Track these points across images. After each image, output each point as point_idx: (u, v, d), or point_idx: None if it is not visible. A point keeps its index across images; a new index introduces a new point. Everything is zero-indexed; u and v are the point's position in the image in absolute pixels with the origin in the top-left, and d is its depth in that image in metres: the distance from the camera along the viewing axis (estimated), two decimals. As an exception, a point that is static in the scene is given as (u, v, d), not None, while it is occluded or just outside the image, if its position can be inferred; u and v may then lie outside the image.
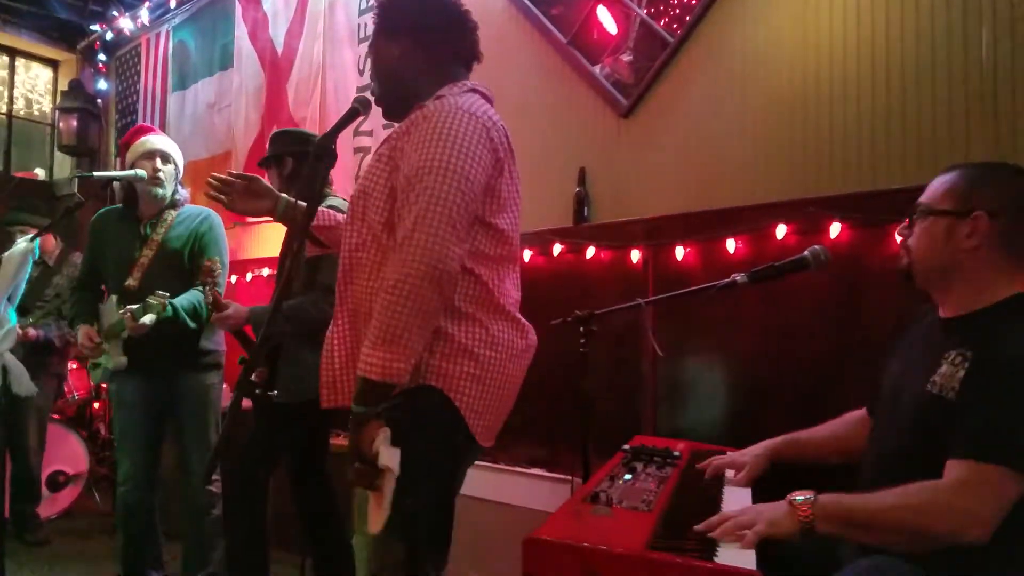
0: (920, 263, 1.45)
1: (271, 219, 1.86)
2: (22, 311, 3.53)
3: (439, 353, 1.44)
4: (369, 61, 1.72)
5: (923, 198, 1.47)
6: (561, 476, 2.75)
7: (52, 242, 3.99)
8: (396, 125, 1.62)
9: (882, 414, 1.55)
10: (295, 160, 2.62)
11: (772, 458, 1.79)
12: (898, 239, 1.56)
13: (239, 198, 1.79)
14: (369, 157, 1.71)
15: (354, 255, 1.56)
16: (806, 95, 2.43)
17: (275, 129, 2.93)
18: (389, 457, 1.31)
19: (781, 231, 2.42)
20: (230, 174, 1.81)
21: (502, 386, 1.53)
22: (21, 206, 3.99)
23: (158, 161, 2.77)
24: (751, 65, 2.55)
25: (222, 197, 1.78)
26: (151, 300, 2.51)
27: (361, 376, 1.36)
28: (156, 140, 2.84)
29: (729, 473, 1.83)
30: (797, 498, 1.31)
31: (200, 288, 2.54)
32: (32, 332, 3.69)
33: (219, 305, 2.49)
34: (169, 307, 2.55)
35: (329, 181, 2.65)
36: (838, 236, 2.31)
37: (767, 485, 1.75)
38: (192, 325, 2.69)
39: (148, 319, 2.51)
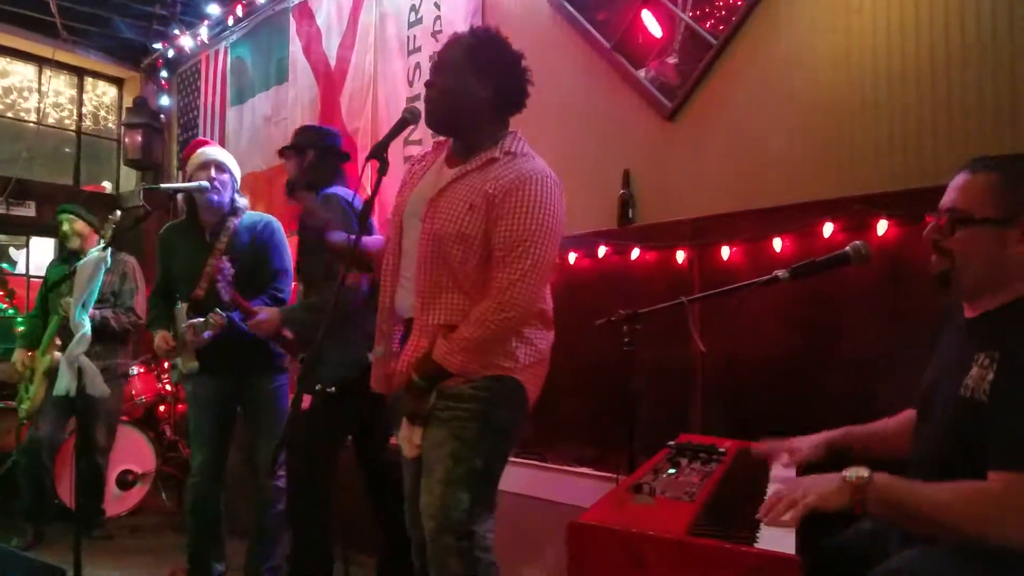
0: (968, 272, 1.40)
1: None
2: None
3: (522, 354, 1.82)
4: (435, 74, 1.84)
5: (960, 202, 1.41)
6: (607, 475, 2.78)
7: (95, 241, 3.97)
8: (463, 158, 1.88)
9: (922, 417, 1.54)
10: (316, 153, 2.87)
11: (830, 448, 1.78)
12: (928, 240, 1.47)
13: None
14: (425, 179, 1.90)
15: (435, 278, 1.80)
16: (851, 92, 2.42)
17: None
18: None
19: (828, 229, 2.42)
20: None
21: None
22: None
23: (212, 170, 2.93)
24: (795, 64, 2.55)
25: None
26: (211, 318, 2.71)
27: (437, 361, 1.73)
28: (210, 151, 3.02)
29: (777, 465, 1.85)
30: (852, 474, 1.30)
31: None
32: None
33: (249, 312, 2.63)
34: (227, 323, 2.74)
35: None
36: (885, 233, 2.30)
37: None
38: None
39: (207, 334, 2.75)
